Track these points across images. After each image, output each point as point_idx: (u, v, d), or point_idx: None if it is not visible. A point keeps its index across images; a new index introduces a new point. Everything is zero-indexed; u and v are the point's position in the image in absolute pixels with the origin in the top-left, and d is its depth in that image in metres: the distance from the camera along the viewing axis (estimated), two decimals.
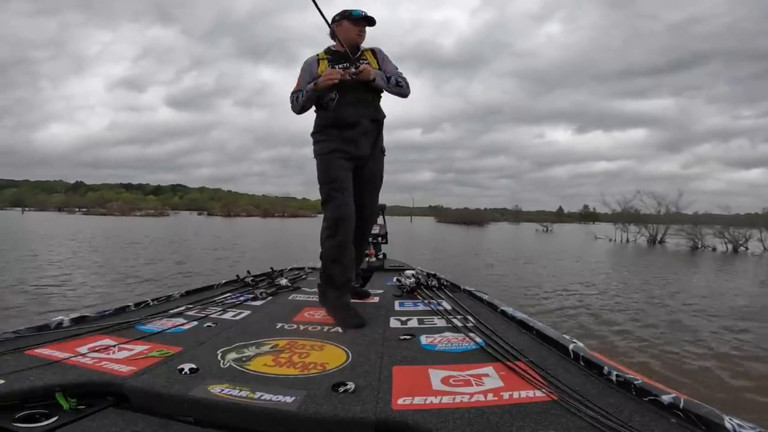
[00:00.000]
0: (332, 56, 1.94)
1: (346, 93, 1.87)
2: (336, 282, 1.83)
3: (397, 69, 2.03)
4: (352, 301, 1.92)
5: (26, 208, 61.98)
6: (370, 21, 1.92)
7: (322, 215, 1.91)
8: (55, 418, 0.91)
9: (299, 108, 1.93)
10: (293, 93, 1.93)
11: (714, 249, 17.55)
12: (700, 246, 18.24)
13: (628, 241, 22.19)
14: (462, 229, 35.50)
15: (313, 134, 1.97)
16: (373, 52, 2.02)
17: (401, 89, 2.00)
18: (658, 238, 21.19)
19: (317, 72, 1.89)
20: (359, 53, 1.97)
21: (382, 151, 2.05)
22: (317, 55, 1.97)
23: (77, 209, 61.98)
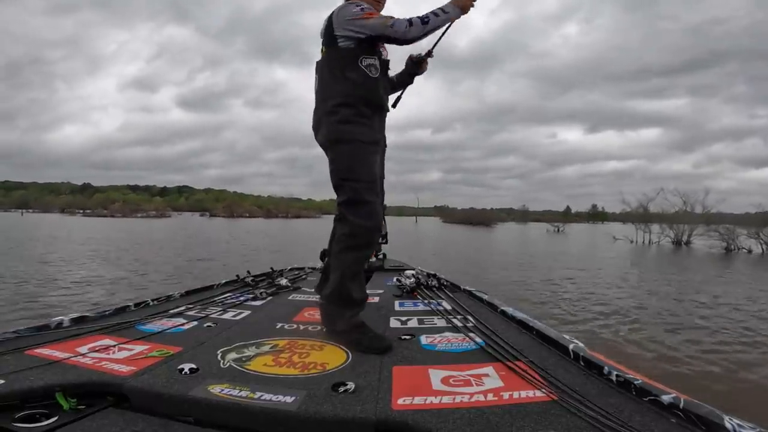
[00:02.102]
0: None
1: (383, 67, 1.52)
2: (355, 300, 1.53)
3: None
4: None
5: (27, 210, 62.15)
6: None
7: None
8: (55, 418, 0.91)
9: (423, 33, 1.45)
10: (401, 19, 1.43)
11: (750, 251, 16.51)
12: (733, 248, 16.99)
13: (650, 242, 20.71)
14: (469, 230, 34.29)
15: (344, 107, 1.48)
16: None
17: None
18: (684, 239, 19.84)
19: None
20: None
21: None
22: None
23: (80, 211, 62.19)
